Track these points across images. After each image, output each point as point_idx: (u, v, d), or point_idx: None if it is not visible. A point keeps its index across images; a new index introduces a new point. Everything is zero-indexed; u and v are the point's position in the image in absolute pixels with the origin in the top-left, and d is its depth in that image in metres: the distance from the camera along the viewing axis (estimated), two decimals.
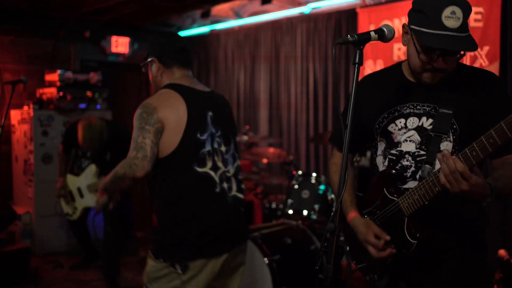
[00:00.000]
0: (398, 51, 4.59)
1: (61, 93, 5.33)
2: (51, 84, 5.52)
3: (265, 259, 3.21)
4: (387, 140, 1.77)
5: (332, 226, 1.46)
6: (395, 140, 1.74)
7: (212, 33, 6.51)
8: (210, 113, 2.30)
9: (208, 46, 6.55)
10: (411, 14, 1.65)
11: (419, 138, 1.69)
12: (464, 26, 1.55)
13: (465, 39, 1.54)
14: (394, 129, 1.74)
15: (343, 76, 5.11)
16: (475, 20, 4.10)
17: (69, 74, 5.48)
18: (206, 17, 6.15)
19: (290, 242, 3.45)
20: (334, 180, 1.96)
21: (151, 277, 2.25)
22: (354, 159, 3.52)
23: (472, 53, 4.12)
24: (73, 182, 4.34)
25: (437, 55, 1.56)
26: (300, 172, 3.73)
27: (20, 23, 5.77)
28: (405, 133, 1.72)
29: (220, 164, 2.29)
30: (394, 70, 1.83)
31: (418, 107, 1.71)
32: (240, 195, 2.39)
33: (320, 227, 3.63)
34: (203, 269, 2.20)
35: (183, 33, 6.89)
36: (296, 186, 3.70)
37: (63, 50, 6.20)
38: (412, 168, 1.69)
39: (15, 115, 5.57)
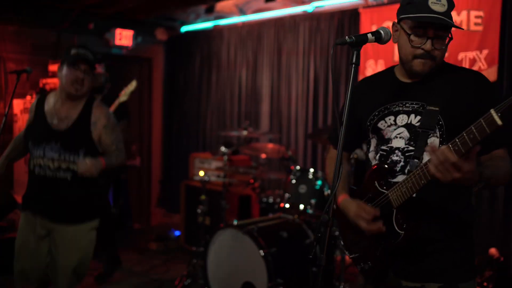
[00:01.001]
0: None
1: None
2: (54, 74, 5.57)
3: (261, 251, 3.27)
4: (378, 136, 1.87)
5: (326, 217, 1.53)
6: (386, 137, 1.83)
7: (216, 28, 6.56)
8: None
9: (211, 41, 6.59)
10: (400, 10, 1.77)
11: (408, 135, 1.77)
12: (449, 13, 1.67)
13: (451, 22, 1.66)
14: (384, 126, 1.83)
15: (343, 75, 5.16)
16: (475, 23, 4.15)
17: None
18: (210, 12, 6.20)
19: (286, 236, 3.51)
20: (329, 172, 2.10)
21: None
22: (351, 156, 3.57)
23: (471, 56, 4.17)
24: None
25: (427, 38, 1.67)
26: (298, 167, 3.79)
27: (25, 13, 5.81)
28: (395, 129, 1.80)
29: None
30: (387, 72, 1.95)
31: (407, 105, 1.80)
32: None
33: (316, 222, 3.69)
34: None
35: (186, 28, 6.94)
36: (293, 181, 3.76)
37: (67, 41, 6.24)
38: (402, 163, 1.77)
39: (17, 105, 5.61)
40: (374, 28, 4.79)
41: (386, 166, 1.79)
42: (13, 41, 5.83)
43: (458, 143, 1.44)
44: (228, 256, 3.53)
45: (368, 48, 4.89)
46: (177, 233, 5.44)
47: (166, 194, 7.05)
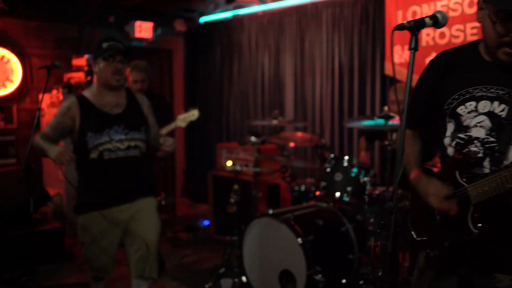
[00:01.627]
0: (427, 36, 4.60)
1: (88, 77, 5.43)
2: (78, 69, 5.61)
3: (299, 239, 3.29)
4: (456, 122, 1.75)
5: (391, 205, 1.52)
6: (464, 124, 1.71)
7: (235, 18, 6.54)
8: None
9: (231, 31, 6.58)
10: None
11: (490, 124, 1.66)
12: None
13: None
14: (464, 112, 1.71)
15: (369, 60, 5.13)
16: None
17: None
18: (230, 2, 6.18)
19: (321, 224, 3.52)
20: (406, 151, 1.94)
21: None
22: (387, 142, 3.55)
23: None
24: None
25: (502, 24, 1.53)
26: (332, 155, 3.79)
27: (46, 9, 5.86)
28: (475, 117, 1.69)
29: None
30: (470, 48, 1.77)
31: (491, 90, 1.66)
32: None
33: (352, 209, 3.70)
34: None
35: (205, 19, 6.93)
36: (328, 169, 3.76)
37: (88, 35, 6.28)
38: (480, 154, 1.67)
39: (44, 99, 5.65)
40: (400, 15, 4.78)
41: (472, 159, 1.68)
42: (36, 37, 5.88)
43: None
44: (265, 245, 3.55)
45: (395, 34, 4.84)
46: (206, 223, 5.48)
47: (191, 184, 7.09)
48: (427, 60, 4.88)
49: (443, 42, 4.50)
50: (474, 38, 4.25)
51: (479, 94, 1.68)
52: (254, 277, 3.62)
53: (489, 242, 1.66)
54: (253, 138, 4.20)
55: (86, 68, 5.50)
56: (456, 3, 4.39)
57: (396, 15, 4.82)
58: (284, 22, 5.92)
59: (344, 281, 3.53)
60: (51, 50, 5.99)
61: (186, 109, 3.93)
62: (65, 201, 5.33)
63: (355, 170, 3.67)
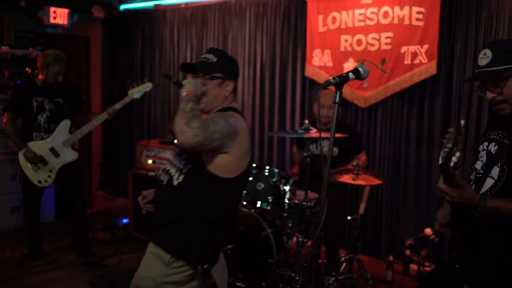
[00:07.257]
0: (345, 42, 4.78)
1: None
2: None
3: None
4: (474, 156, 2.14)
5: (314, 251, 1.64)
6: (479, 159, 2.06)
7: (157, 8, 6.38)
8: None
9: (153, 21, 6.42)
10: None
11: (485, 160, 1.99)
12: (493, 62, 1.88)
13: (489, 72, 1.88)
14: (480, 149, 2.06)
15: (290, 61, 5.25)
16: (417, 19, 4.35)
17: (5, 49, 5.22)
18: None
19: (243, 230, 3.62)
20: None
21: None
22: (306, 154, 3.67)
23: (413, 50, 4.39)
24: (40, 146, 4.19)
25: (484, 89, 1.93)
26: (254, 165, 3.87)
27: None
28: (481, 151, 2.04)
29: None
30: None
31: (494, 133, 2.02)
32: None
33: (271, 215, 3.82)
34: None
35: (125, 6, 6.70)
36: (250, 178, 3.84)
37: None
38: (472, 183, 2.00)
39: None
40: (320, 19, 4.90)
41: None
42: None
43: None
44: None
45: (315, 38, 4.99)
46: (124, 221, 5.40)
47: (108, 177, 6.92)
48: (345, 65, 5.04)
49: (360, 48, 4.70)
50: (388, 47, 4.49)
51: (492, 136, 2.04)
52: None
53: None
54: (176, 141, 4.17)
55: None
56: (372, 12, 4.59)
57: (317, 19, 4.96)
58: (207, 17, 5.88)
59: (263, 284, 3.66)
60: None
61: (137, 83, 4.32)
62: None
63: (275, 179, 3.78)
